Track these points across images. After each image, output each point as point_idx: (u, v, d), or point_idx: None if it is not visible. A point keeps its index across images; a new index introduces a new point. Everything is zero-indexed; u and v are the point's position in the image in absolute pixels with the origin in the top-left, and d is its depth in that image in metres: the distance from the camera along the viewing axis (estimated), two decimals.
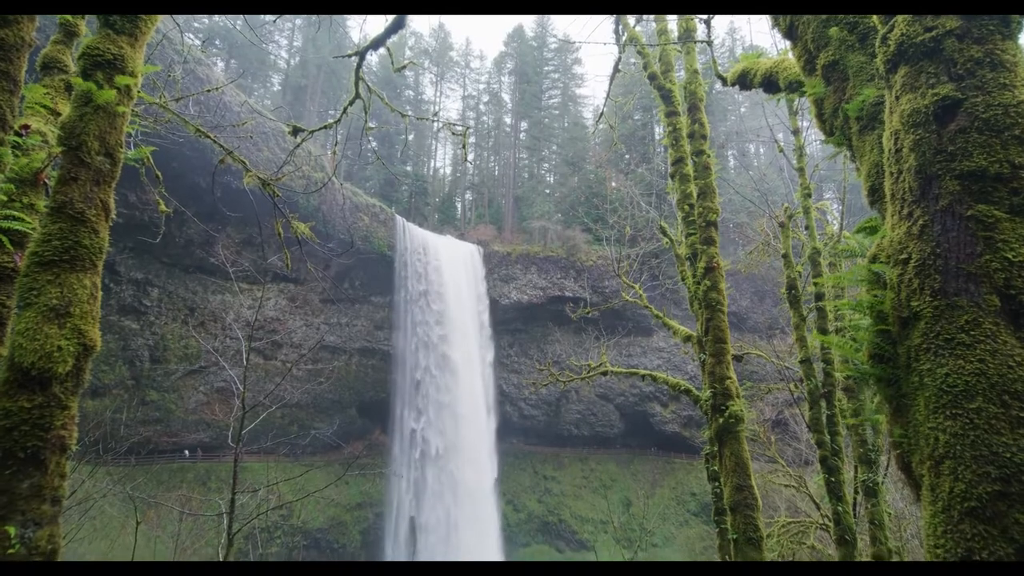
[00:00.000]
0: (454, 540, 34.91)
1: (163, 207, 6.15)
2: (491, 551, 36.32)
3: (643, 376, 10.61)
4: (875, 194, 2.66)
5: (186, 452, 32.57)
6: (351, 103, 6.73)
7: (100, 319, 2.88)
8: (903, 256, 2.09)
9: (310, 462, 33.69)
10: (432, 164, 70.96)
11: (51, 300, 2.45)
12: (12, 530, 2.18)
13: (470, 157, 63.63)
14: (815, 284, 9.82)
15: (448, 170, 73.44)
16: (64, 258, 2.52)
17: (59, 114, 3.81)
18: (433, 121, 7.25)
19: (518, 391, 47.48)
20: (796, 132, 10.20)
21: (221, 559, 6.38)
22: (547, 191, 60.71)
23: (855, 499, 9.75)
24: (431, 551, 34.62)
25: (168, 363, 31.87)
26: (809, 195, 9.96)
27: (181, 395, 32.62)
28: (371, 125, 7.18)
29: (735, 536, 5.29)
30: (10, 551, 2.15)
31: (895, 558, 10.78)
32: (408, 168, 61.10)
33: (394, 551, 34.74)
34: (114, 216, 3.04)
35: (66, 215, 2.56)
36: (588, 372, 11.40)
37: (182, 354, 32.25)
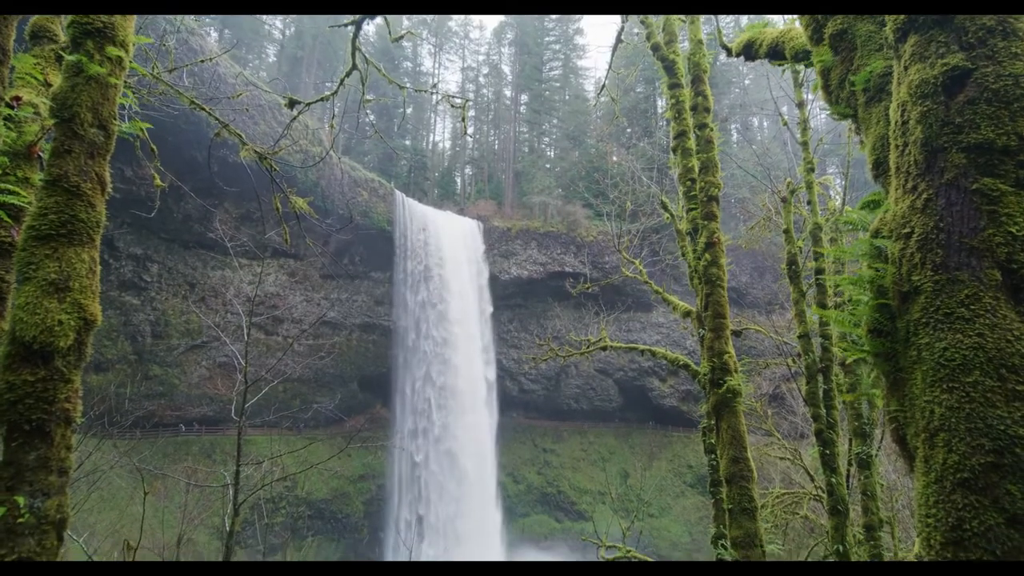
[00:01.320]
0: (455, 512, 35.70)
1: (159, 182, 6.09)
2: (491, 522, 37.17)
3: (642, 351, 10.69)
4: (879, 168, 2.62)
5: (182, 427, 32.67)
6: (348, 74, 6.60)
7: (100, 294, 2.88)
8: (906, 230, 2.07)
9: (313, 435, 34.25)
10: (431, 138, 70.07)
11: (50, 275, 2.44)
12: (21, 500, 2.23)
13: (470, 131, 62.78)
14: (815, 260, 9.81)
15: (447, 144, 72.56)
16: (61, 232, 2.51)
17: (50, 85, 3.73)
18: (432, 93, 7.13)
19: (518, 366, 47.89)
20: (801, 105, 10.03)
21: (227, 528, 6.53)
22: (547, 166, 60.08)
23: (848, 471, 9.93)
24: (432, 523, 35.44)
25: (170, 338, 32.06)
26: (812, 170, 9.86)
27: (184, 370, 32.91)
28: (368, 98, 7.05)
29: (730, 506, 5.40)
30: (20, 520, 2.20)
31: (886, 528, 11.03)
32: (407, 142, 60.34)
33: (396, 522, 35.55)
34: (110, 190, 3.01)
35: (61, 188, 2.54)
36: (588, 347, 11.48)
37: (183, 329, 32.42)
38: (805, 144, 9.86)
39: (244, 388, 7.44)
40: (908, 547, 12.64)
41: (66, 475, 2.40)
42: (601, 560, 10.72)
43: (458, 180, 66.31)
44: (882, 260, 2.29)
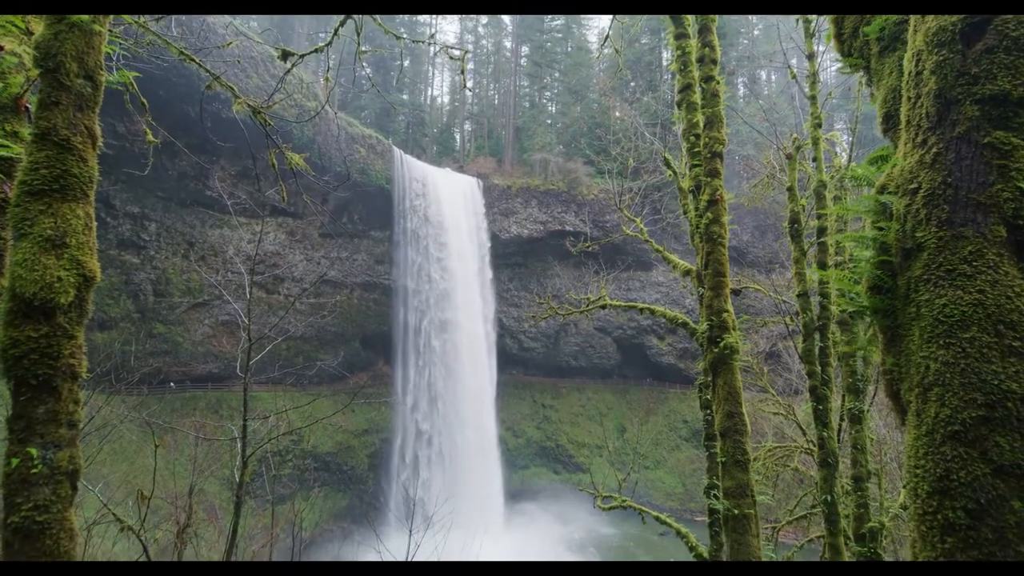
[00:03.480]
0: (456, 465, 36.85)
1: (151, 137, 5.96)
2: (492, 473, 38.42)
3: (641, 309, 10.76)
4: (889, 121, 2.56)
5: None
6: (342, 24, 6.34)
7: (100, 253, 2.86)
8: (912, 186, 2.04)
9: (317, 391, 34.94)
10: (429, 92, 68.18)
11: (46, 231, 2.42)
12: (34, 451, 2.29)
13: (469, 84, 61.01)
14: (818, 218, 9.72)
15: (446, 99, 70.66)
16: (54, 187, 2.47)
17: (32, 33, 3.59)
18: (429, 44, 6.87)
19: (518, 324, 48.33)
20: (811, 57, 9.70)
21: (237, 479, 6.76)
22: (549, 121, 58.69)
23: (840, 426, 10.18)
24: (434, 476, 36.63)
25: (172, 296, 32.20)
26: (819, 125, 9.63)
27: (187, 328, 33.22)
28: (364, 49, 6.80)
29: (723, 459, 5.56)
30: (33, 471, 2.27)
31: (874, 480, 11.40)
32: (404, 97, 58.72)
33: (399, 472, 36.76)
34: (101, 145, 2.94)
35: (51, 142, 2.48)
36: (587, 306, 11.53)
37: (185, 288, 32.52)
38: (813, 99, 9.59)
39: (248, 345, 7.53)
40: (894, 497, 13.12)
41: (75, 428, 2.46)
42: (599, 508, 11.14)
43: (457, 137, 64.93)
44: (887, 217, 2.27)
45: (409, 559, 6.83)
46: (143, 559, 6.74)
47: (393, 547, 7.70)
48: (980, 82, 1.88)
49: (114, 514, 6.79)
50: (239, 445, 7.12)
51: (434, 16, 67.05)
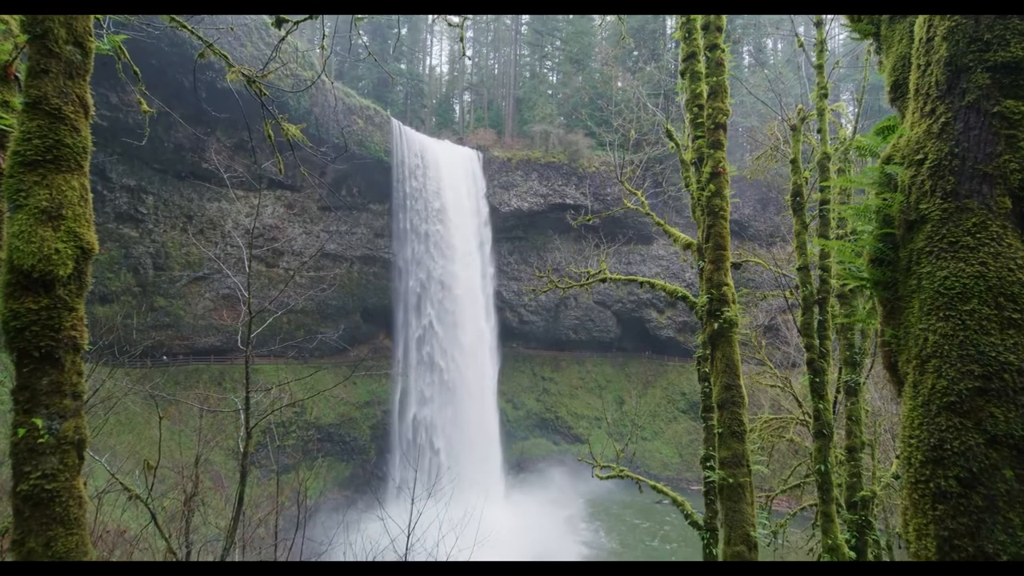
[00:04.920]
0: (457, 435, 37.45)
1: (145, 107, 5.85)
2: (492, 444, 39.08)
3: (641, 283, 10.76)
4: (897, 90, 2.50)
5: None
6: None
7: (97, 226, 2.84)
8: (918, 156, 2.01)
9: (318, 364, 35.28)
10: (428, 62, 66.73)
11: (41, 202, 2.40)
12: (39, 422, 2.32)
13: (468, 53, 59.67)
14: (821, 191, 9.64)
15: (445, 69, 69.24)
16: (48, 158, 2.43)
17: None
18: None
19: (518, 298, 48.45)
20: (819, 24, 9.46)
21: (242, 450, 6.88)
22: (549, 92, 57.59)
23: (836, 398, 10.30)
24: (435, 446, 37.27)
25: (172, 270, 32.18)
26: (825, 95, 9.46)
27: (188, 301, 33.30)
28: (360, 15, 6.61)
29: (720, 430, 5.64)
30: (40, 441, 2.30)
31: (867, 450, 11.61)
32: (402, 66, 57.49)
33: (401, 443, 37.39)
34: (94, 115, 2.89)
35: (43, 111, 2.43)
36: (587, 279, 11.53)
37: (184, 261, 32.47)
38: (820, 68, 9.39)
39: (249, 319, 7.56)
40: (886, 467, 13.37)
41: (80, 399, 2.48)
42: (597, 478, 11.38)
43: (456, 108, 63.83)
44: (891, 189, 2.24)
45: (411, 527, 7.00)
46: (151, 527, 6.90)
47: (395, 515, 7.90)
48: (992, 49, 1.83)
49: (122, 483, 6.93)
50: (242, 416, 7.22)
51: None
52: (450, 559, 7.91)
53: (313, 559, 7.03)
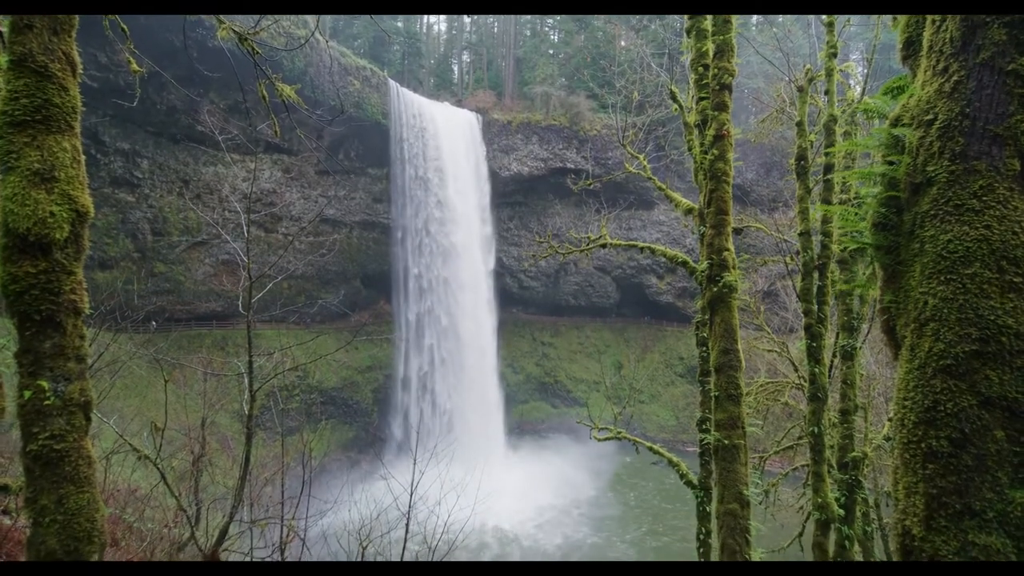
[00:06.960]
0: (458, 399, 38.09)
1: (135, 66, 5.69)
2: (492, 408, 39.80)
3: (642, 248, 10.72)
4: (910, 48, 2.42)
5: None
6: None
7: (93, 191, 2.80)
8: (928, 117, 1.96)
9: (320, 329, 35.52)
10: (425, 20, 64.53)
11: (33, 164, 2.36)
12: (45, 384, 2.35)
13: None
14: (826, 155, 9.49)
15: (443, 27, 67.04)
16: (37, 118, 2.37)
17: None
18: None
19: (518, 263, 48.40)
20: None
21: (247, 412, 7.00)
22: (551, 52, 55.97)
23: (832, 362, 10.42)
24: (437, 410, 37.96)
25: (170, 235, 32.02)
26: (835, 55, 9.18)
27: (188, 267, 33.28)
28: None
29: (717, 393, 5.73)
30: (46, 402, 2.34)
31: (860, 413, 11.82)
32: (399, 24, 55.67)
33: (402, 405, 38.08)
34: (82, 73, 2.81)
35: (29, 69, 2.36)
36: (588, 245, 11.47)
37: (182, 227, 32.28)
38: (831, 25, 9.09)
39: (249, 284, 7.57)
40: (878, 430, 13.65)
41: (83, 362, 2.50)
42: (595, 440, 11.63)
43: (455, 68, 62.17)
44: (898, 151, 2.20)
45: (414, 485, 7.20)
46: (161, 486, 7.09)
47: (398, 474, 8.11)
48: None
49: (130, 444, 7.09)
50: (246, 380, 7.32)
51: None
52: (451, 517, 8.17)
53: (318, 517, 7.26)
